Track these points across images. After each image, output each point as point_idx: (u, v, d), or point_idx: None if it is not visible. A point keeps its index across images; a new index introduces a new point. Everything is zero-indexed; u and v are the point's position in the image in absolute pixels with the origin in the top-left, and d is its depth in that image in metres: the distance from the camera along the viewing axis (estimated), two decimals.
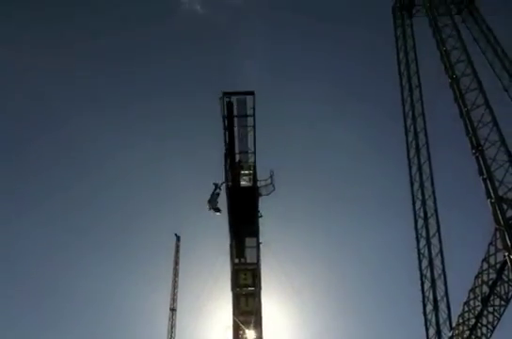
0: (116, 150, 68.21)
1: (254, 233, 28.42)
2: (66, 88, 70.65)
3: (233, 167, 27.85)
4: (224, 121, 26.55)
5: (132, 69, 70.68)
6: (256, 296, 27.65)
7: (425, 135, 32.66)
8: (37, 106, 69.12)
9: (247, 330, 26.64)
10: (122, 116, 72.60)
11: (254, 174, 28.03)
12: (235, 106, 26.40)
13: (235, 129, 26.79)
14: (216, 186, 28.40)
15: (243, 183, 28.50)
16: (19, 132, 69.04)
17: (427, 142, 32.58)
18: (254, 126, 26.66)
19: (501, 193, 20.64)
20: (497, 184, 20.74)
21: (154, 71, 71.23)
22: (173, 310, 49.20)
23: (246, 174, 28.39)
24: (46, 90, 66.69)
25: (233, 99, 26.25)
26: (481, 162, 21.31)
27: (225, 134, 26.87)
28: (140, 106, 70.68)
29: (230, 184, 27.89)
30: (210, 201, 28.17)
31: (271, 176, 28.15)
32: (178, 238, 52.23)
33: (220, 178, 28.39)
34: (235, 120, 26.69)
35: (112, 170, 68.78)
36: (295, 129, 64.15)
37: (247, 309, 27.39)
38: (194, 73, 70.82)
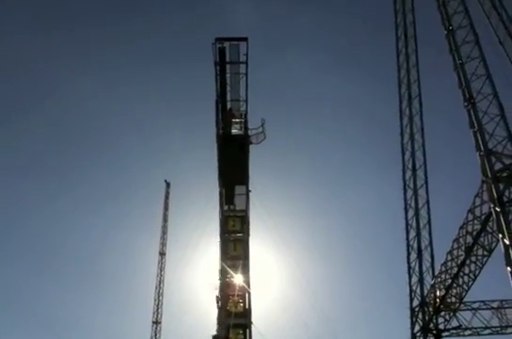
0: (101, 94, 67.01)
1: (244, 181, 28.58)
2: None
3: (225, 114, 27.72)
4: (216, 68, 26.21)
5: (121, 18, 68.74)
6: (244, 242, 28.08)
7: (418, 86, 32.53)
8: None
9: (234, 275, 27.14)
10: (108, 61, 70.98)
11: (245, 122, 27.96)
12: (228, 52, 26.04)
13: (227, 76, 26.51)
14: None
15: (234, 131, 28.45)
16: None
17: (420, 94, 32.48)
18: (246, 74, 26.36)
19: (490, 146, 20.73)
20: (487, 137, 20.82)
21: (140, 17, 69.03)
22: (162, 254, 50.01)
23: (237, 122, 28.31)
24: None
25: (226, 44, 25.85)
26: (472, 115, 21.28)
27: (216, 80, 26.60)
28: (130, 50, 69.23)
29: (221, 131, 27.83)
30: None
31: (262, 125, 28.09)
32: (168, 185, 52.53)
33: (211, 126, 28.37)
34: (227, 67, 26.37)
35: (99, 116, 67.82)
36: (288, 78, 63.40)
37: (234, 254, 27.93)
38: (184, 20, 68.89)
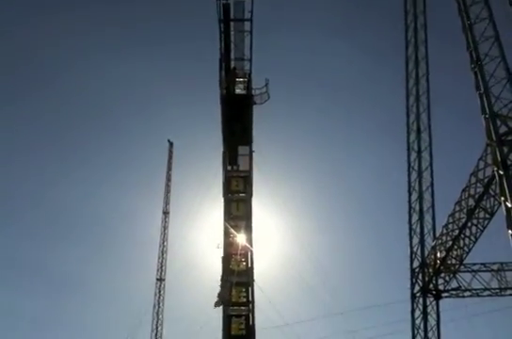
0: (102, 60, 66.06)
1: (247, 141, 28.53)
2: None
3: (228, 74, 27.43)
4: (220, 25, 25.79)
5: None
6: (247, 202, 28.23)
7: (426, 47, 32.08)
8: None
9: (237, 234, 27.39)
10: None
11: (249, 82, 27.74)
12: (232, 10, 25.57)
13: (231, 34, 26.12)
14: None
15: (237, 90, 28.23)
16: None
17: (427, 55, 32.05)
18: (251, 31, 26.01)
19: (496, 109, 20.49)
20: (493, 100, 20.55)
21: None
22: (166, 213, 50.33)
23: (240, 82, 28.07)
24: None
25: (230, 1, 25.36)
26: (479, 77, 20.94)
27: (221, 38, 26.20)
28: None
29: (224, 91, 27.60)
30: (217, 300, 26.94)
31: (266, 84, 27.84)
32: (171, 144, 52.35)
33: (215, 86, 28.10)
34: (232, 24, 25.94)
35: (100, 80, 66.89)
36: (293, 37, 62.23)
37: (237, 214, 28.08)
38: None
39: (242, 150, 29.03)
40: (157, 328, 47.57)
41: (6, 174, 64.54)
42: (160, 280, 48.56)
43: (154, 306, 47.84)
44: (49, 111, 68.07)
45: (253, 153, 28.71)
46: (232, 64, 27.46)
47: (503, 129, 20.44)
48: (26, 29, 61.19)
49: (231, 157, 29.18)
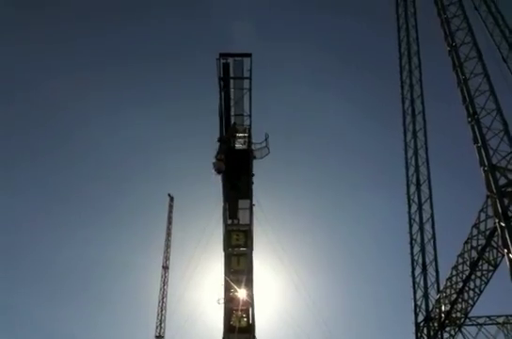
0: (107, 113, 67.15)
1: (247, 195, 28.62)
2: None
3: (229, 129, 27.85)
4: (220, 83, 26.42)
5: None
6: (248, 256, 28.06)
7: (422, 102, 32.74)
8: None
9: (238, 289, 27.09)
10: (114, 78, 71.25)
11: (249, 137, 28.10)
12: (232, 68, 26.24)
13: (231, 91, 26.70)
14: (221, 140, 28.07)
15: (237, 145, 28.57)
16: None
17: (423, 109, 32.66)
18: (250, 89, 26.58)
19: (494, 161, 20.75)
20: (491, 152, 20.85)
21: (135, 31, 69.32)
22: (166, 268, 49.98)
23: (241, 137, 28.44)
24: None
25: (230, 60, 26.06)
26: (476, 130, 21.31)
27: (221, 95, 26.79)
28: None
29: (224, 146, 27.94)
30: (216, 162, 27.76)
31: (266, 139, 28.18)
32: (171, 198, 52.65)
33: (214, 139, 28.44)
34: (231, 82, 26.56)
35: (101, 134, 67.81)
36: (290, 92, 63.55)
37: (238, 268, 27.81)
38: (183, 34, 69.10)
39: (242, 203, 29.10)
40: None
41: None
42: (159, 337, 47.64)
43: None
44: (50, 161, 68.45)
45: (253, 207, 28.79)
46: (232, 120, 27.92)
47: (502, 181, 20.65)
48: None
49: (231, 211, 29.18)
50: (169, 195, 52.48)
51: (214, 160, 27.66)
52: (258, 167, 28.29)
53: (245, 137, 28.23)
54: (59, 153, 66.82)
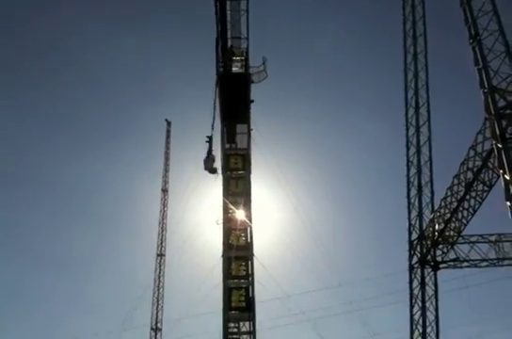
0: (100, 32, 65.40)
1: (245, 119, 28.65)
2: None
3: (225, 52, 27.38)
4: (216, 4, 25.68)
5: None
6: (246, 179, 28.54)
7: (424, 24, 32.03)
8: None
9: (236, 210, 27.73)
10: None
11: (246, 60, 27.69)
12: None
13: (228, 13, 26.03)
14: (211, 140, 28.18)
15: (235, 69, 28.23)
16: None
17: (425, 32, 32.02)
18: (247, 10, 25.90)
19: (495, 83, 20.59)
20: (492, 74, 20.67)
21: None
22: (165, 191, 50.68)
23: (238, 60, 28.05)
24: None
25: None
26: (477, 52, 21.00)
27: (217, 17, 26.10)
28: None
29: (221, 70, 27.59)
30: (206, 161, 28.00)
31: (264, 63, 27.83)
32: (169, 123, 52.38)
33: (212, 63, 28.01)
34: (227, 3, 25.85)
35: (94, 58, 66.20)
36: (290, 16, 61.78)
37: (236, 191, 28.42)
38: None
39: (240, 128, 29.19)
40: (158, 301, 48.24)
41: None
42: (160, 255, 49.13)
43: (155, 280, 48.49)
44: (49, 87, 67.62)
45: (251, 132, 28.89)
46: (229, 43, 27.39)
47: (501, 103, 20.61)
48: None
49: (229, 135, 29.35)
50: (167, 120, 52.24)
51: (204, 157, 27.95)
52: (256, 91, 28.15)
53: (242, 60, 27.83)
54: (61, 80, 65.77)
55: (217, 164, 28.81)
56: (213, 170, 28.40)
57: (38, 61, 66.49)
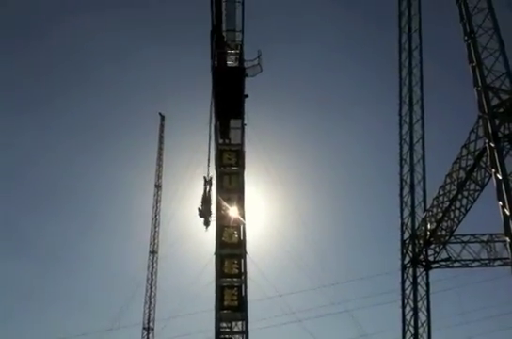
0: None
1: (239, 114, 28.41)
2: None
3: (220, 45, 27.14)
4: None
5: None
6: (239, 175, 28.30)
7: (419, 20, 31.92)
8: None
9: (230, 207, 27.53)
10: None
11: (241, 54, 27.40)
12: None
13: (223, 3, 25.81)
14: (206, 183, 27.56)
15: (229, 63, 27.99)
16: None
17: (420, 28, 31.87)
18: (243, 2, 25.65)
19: (488, 81, 20.48)
20: (485, 72, 20.54)
21: None
22: (158, 186, 50.34)
23: (232, 54, 27.78)
24: None
25: None
26: (472, 49, 20.90)
27: (212, 9, 25.86)
28: None
29: (215, 63, 27.35)
30: (202, 208, 27.18)
31: (259, 56, 27.46)
32: (162, 118, 52.01)
33: (207, 58, 27.81)
34: None
35: (85, 49, 65.87)
36: (285, 9, 61.40)
37: (230, 187, 28.15)
38: None
39: (234, 123, 28.95)
40: (150, 299, 48.08)
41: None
42: (153, 252, 48.89)
43: (148, 278, 48.28)
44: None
45: (245, 127, 28.66)
46: (225, 37, 27.15)
47: (495, 101, 20.49)
48: None
49: (222, 131, 29.09)
50: (160, 114, 51.82)
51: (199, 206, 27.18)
52: (250, 85, 27.87)
53: (236, 53, 27.57)
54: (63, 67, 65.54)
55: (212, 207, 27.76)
56: (206, 223, 27.36)
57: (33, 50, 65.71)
